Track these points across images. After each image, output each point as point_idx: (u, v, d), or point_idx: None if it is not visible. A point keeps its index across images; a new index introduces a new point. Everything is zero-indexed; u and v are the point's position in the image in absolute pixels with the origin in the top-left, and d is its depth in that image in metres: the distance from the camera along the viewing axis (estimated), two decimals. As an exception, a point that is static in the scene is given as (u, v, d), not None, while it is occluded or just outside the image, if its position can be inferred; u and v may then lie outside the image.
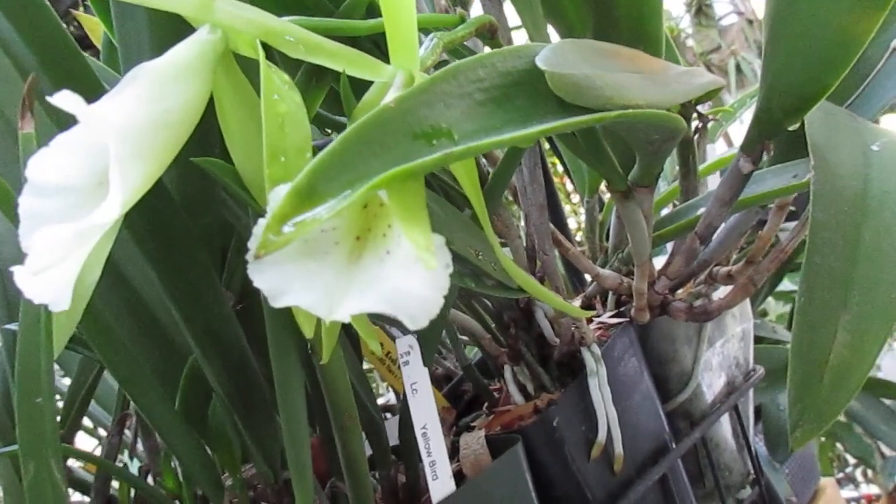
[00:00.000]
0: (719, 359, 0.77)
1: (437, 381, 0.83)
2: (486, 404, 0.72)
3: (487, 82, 0.36)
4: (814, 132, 0.47)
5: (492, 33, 0.44)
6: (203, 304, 0.41)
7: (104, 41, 0.49)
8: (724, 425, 0.78)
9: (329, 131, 0.47)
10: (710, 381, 0.76)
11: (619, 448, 0.63)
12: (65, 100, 0.25)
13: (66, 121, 0.37)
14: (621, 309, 0.73)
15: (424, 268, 0.28)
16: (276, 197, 0.28)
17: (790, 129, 0.48)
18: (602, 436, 0.62)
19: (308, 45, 0.33)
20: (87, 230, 0.24)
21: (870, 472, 2.48)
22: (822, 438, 2.06)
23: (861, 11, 0.42)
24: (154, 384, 0.40)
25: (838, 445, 2.20)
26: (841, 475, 2.47)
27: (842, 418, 2.04)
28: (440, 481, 0.51)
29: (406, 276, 0.28)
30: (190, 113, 0.30)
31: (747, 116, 0.96)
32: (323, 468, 0.56)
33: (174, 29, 0.38)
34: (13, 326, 0.45)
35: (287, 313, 0.41)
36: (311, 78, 0.42)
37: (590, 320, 0.70)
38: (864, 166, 0.46)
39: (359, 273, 0.29)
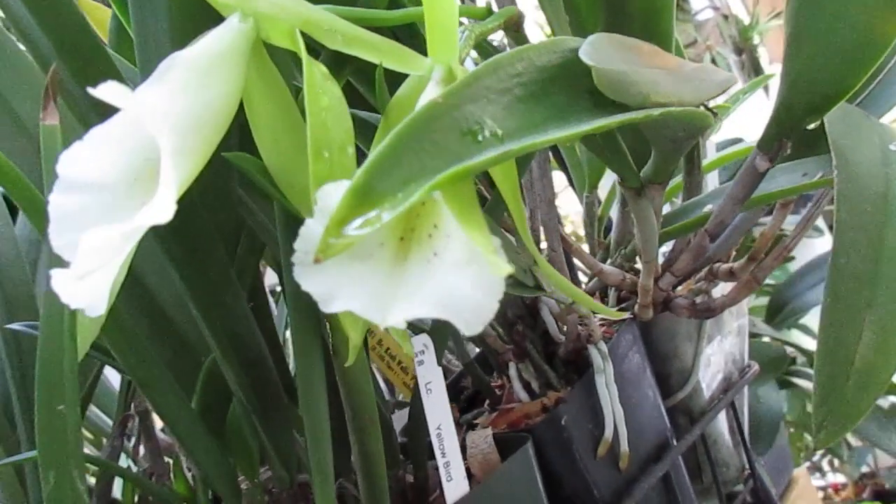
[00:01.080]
0: (717, 355, 0.77)
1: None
2: (487, 401, 0.71)
3: (526, 77, 0.35)
4: (834, 131, 0.46)
5: (517, 26, 0.43)
6: (223, 302, 0.40)
7: (112, 27, 0.47)
8: (721, 421, 0.79)
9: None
10: (709, 378, 0.76)
11: (625, 445, 0.63)
12: (109, 91, 0.23)
13: (86, 113, 0.36)
14: (623, 305, 0.73)
15: (489, 272, 0.27)
16: (326, 196, 0.27)
17: (809, 127, 0.48)
18: (609, 433, 0.62)
19: (347, 35, 0.32)
20: (134, 232, 0.23)
21: (836, 462, 2.54)
22: (792, 429, 2.10)
23: (888, 11, 0.41)
24: (173, 386, 0.38)
25: (806, 436, 2.25)
26: (808, 464, 2.52)
27: (810, 409, 2.07)
28: (455, 482, 0.50)
29: (460, 281, 0.27)
30: (228, 106, 0.29)
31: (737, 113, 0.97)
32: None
33: (196, 17, 0.36)
34: (16, 326, 0.43)
35: (312, 314, 0.40)
36: (329, 67, 0.41)
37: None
38: (883, 166, 0.46)
39: (406, 276, 0.28)
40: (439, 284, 0.28)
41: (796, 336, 1.69)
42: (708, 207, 0.63)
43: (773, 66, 2.86)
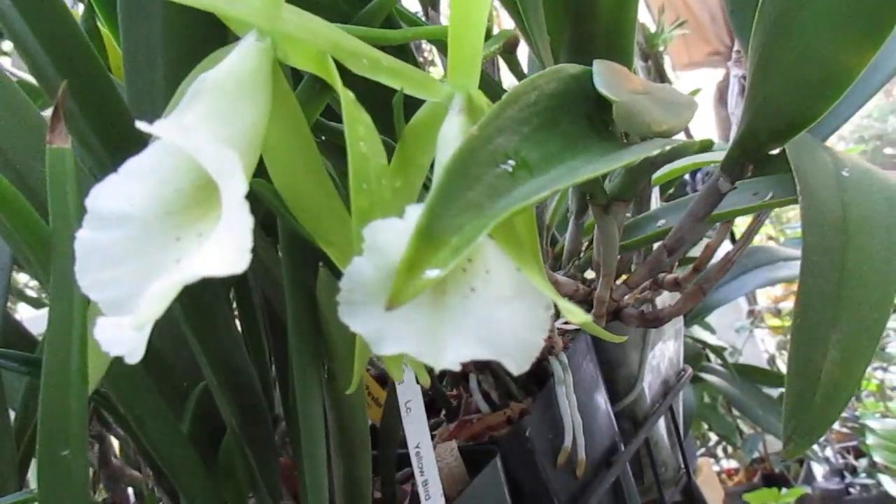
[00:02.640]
0: (657, 360, 0.80)
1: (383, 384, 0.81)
2: (443, 412, 0.71)
3: (539, 105, 0.35)
4: (794, 157, 0.49)
5: (512, 48, 0.43)
6: (216, 327, 0.38)
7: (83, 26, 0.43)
8: (660, 424, 0.82)
9: (324, 138, 0.45)
10: (650, 382, 0.79)
11: (582, 453, 0.64)
12: (161, 128, 0.21)
13: (85, 133, 0.33)
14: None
15: (535, 308, 0.27)
16: (375, 233, 0.26)
17: (771, 153, 0.51)
18: (568, 442, 0.63)
19: (371, 60, 0.31)
20: (192, 276, 0.21)
21: (730, 449, 2.70)
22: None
23: (855, 47, 0.44)
24: (166, 415, 0.36)
25: (703, 424, 2.38)
26: (703, 450, 2.67)
27: (707, 400, 2.20)
28: (433, 500, 0.50)
29: (505, 318, 0.27)
30: (259, 133, 0.27)
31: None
32: (295, 490, 0.53)
33: (190, 32, 0.34)
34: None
35: (312, 341, 0.38)
36: (314, 85, 0.40)
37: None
38: (839, 191, 0.49)
39: (448, 313, 0.28)
40: (483, 322, 0.27)
41: (698, 332, 1.79)
42: (661, 222, 0.65)
43: (676, 73, 2.99)
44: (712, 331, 1.90)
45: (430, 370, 0.72)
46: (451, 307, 0.28)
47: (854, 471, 2.65)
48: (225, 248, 0.21)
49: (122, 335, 0.22)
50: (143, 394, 0.35)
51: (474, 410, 0.68)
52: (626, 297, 0.77)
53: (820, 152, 0.52)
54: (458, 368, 0.26)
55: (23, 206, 0.29)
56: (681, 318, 0.86)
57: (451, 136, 0.31)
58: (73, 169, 0.28)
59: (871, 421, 1.68)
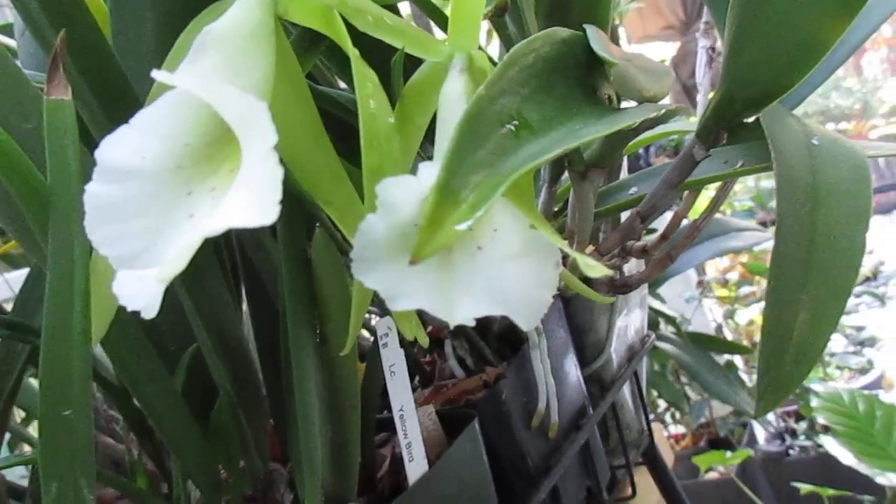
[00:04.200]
0: (623, 326, 0.82)
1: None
2: (417, 377, 0.72)
3: (536, 68, 0.35)
4: (768, 125, 0.50)
5: (501, 12, 0.43)
6: (208, 288, 0.37)
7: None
8: (625, 388, 0.84)
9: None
10: (616, 347, 0.81)
11: (555, 416, 0.66)
12: (181, 78, 0.21)
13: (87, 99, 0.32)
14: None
15: (545, 264, 0.27)
16: (388, 191, 0.26)
17: (746, 120, 0.52)
18: (542, 406, 0.65)
19: (375, 17, 0.30)
20: (220, 228, 0.21)
21: (678, 415, 2.78)
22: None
23: (830, 18, 0.45)
24: (164, 376, 0.35)
25: (654, 392, 2.45)
26: (653, 416, 2.75)
27: (656, 368, 2.27)
28: (416, 462, 0.51)
29: (515, 275, 0.28)
30: (269, 88, 0.27)
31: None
32: (278, 454, 0.54)
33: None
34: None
35: (307, 303, 0.38)
36: (304, 42, 0.39)
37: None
38: (809, 159, 0.51)
39: (456, 270, 0.28)
40: (492, 280, 0.28)
41: (651, 302, 1.83)
42: (632, 190, 0.66)
43: (631, 45, 3.02)
44: (663, 300, 1.95)
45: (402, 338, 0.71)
46: (458, 266, 0.28)
47: (794, 433, 2.76)
48: (254, 199, 0.20)
49: (143, 289, 0.22)
50: (140, 354, 0.34)
51: (448, 376, 0.68)
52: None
53: (791, 121, 0.54)
54: (472, 324, 0.26)
55: (20, 159, 0.28)
56: (646, 287, 0.88)
57: (454, 95, 0.31)
58: (73, 121, 0.27)
59: (815, 385, 1.76)
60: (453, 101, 0.31)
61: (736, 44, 0.50)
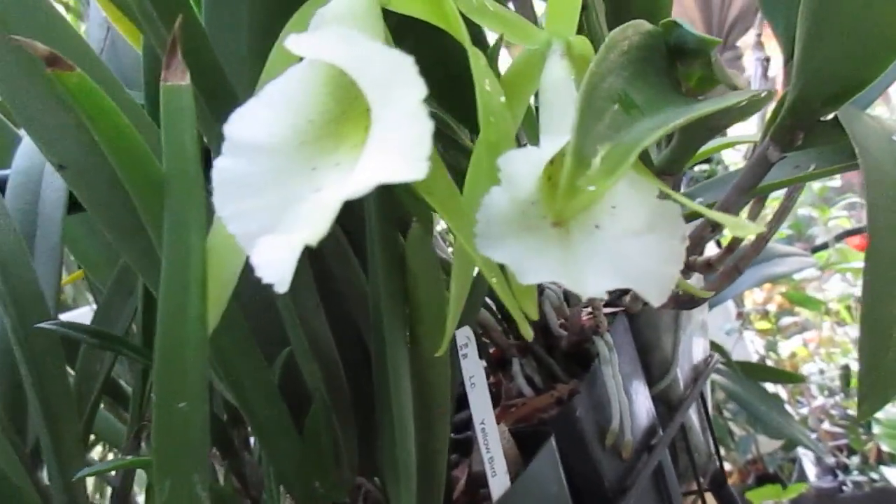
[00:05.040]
0: (687, 345, 0.80)
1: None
2: (482, 399, 0.70)
3: (630, 54, 0.35)
4: (847, 122, 0.49)
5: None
6: (301, 290, 0.36)
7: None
8: (692, 410, 0.82)
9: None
10: (681, 367, 0.79)
11: (628, 434, 0.64)
12: (322, 40, 0.20)
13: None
14: (608, 298, 0.74)
15: (673, 242, 0.26)
16: (512, 163, 0.26)
17: (823, 119, 0.51)
18: (616, 423, 0.63)
19: (479, 3, 0.30)
20: (365, 185, 0.20)
21: (722, 451, 2.71)
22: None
23: (910, 9, 0.45)
24: (267, 375, 0.34)
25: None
26: (696, 455, 2.67)
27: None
28: (498, 477, 0.49)
29: (639, 254, 0.27)
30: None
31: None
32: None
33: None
34: (47, 325, 0.37)
35: (399, 305, 0.37)
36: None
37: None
38: (892, 153, 0.50)
39: (578, 248, 0.27)
40: (616, 256, 0.27)
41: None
42: (698, 200, 0.65)
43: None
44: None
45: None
46: (578, 244, 0.28)
47: (846, 468, 2.66)
48: (403, 153, 0.20)
49: (279, 258, 0.21)
50: (245, 350, 0.33)
51: (516, 395, 0.67)
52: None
53: (867, 119, 0.53)
54: (604, 297, 0.25)
55: (138, 145, 0.27)
56: (706, 308, 0.86)
57: (559, 77, 0.31)
58: (191, 106, 0.27)
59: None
60: (559, 82, 0.31)
61: (810, 40, 0.49)
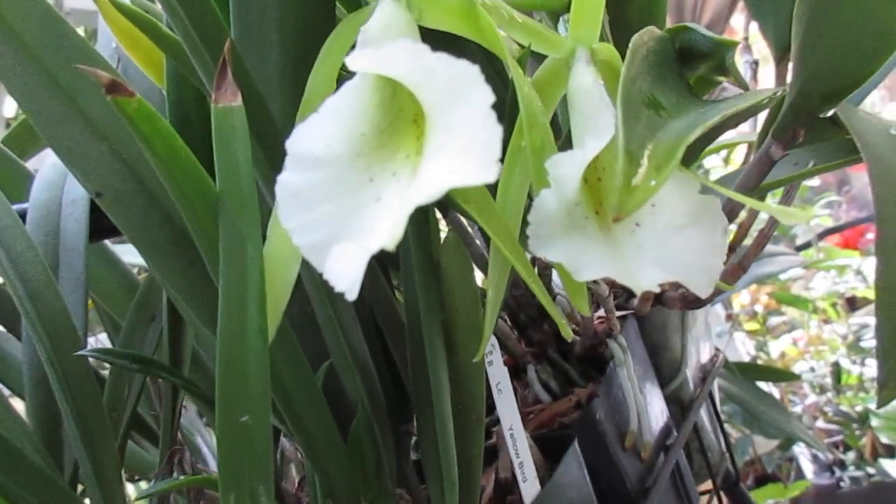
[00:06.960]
0: (694, 346, 0.81)
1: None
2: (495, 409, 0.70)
3: (650, 59, 0.36)
4: (847, 118, 0.51)
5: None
6: (340, 302, 0.37)
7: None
8: (702, 410, 0.82)
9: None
10: (689, 367, 0.80)
11: (647, 435, 0.64)
12: (391, 52, 0.21)
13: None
14: (617, 301, 0.75)
15: (715, 235, 0.27)
16: (558, 166, 0.27)
17: (822, 116, 0.52)
18: (634, 425, 0.63)
19: (508, 15, 0.31)
20: (438, 189, 0.21)
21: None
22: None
23: (906, 6, 0.46)
24: (315, 385, 0.35)
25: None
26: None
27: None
28: (529, 482, 0.50)
29: (683, 247, 0.28)
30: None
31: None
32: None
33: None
34: (86, 353, 0.37)
35: (437, 314, 0.38)
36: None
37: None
38: (893, 146, 0.51)
39: (623, 246, 0.28)
40: (660, 251, 0.28)
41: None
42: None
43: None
44: (697, 335, 1.93)
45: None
46: (622, 242, 0.28)
47: (842, 465, 2.68)
48: (475, 157, 0.20)
49: (351, 266, 0.22)
50: (295, 363, 0.34)
51: (533, 402, 0.67)
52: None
53: (864, 115, 0.54)
54: (657, 290, 0.26)
55: (194, 166, 0.28)
56: (709, 312, 0.87)
57: (588, 81, 0.32)
58: (243, 127, 0.28)
59: (871, 404, 1.72)
60: (589, 86, 0.31)
61: (809, 38, 0.51)
